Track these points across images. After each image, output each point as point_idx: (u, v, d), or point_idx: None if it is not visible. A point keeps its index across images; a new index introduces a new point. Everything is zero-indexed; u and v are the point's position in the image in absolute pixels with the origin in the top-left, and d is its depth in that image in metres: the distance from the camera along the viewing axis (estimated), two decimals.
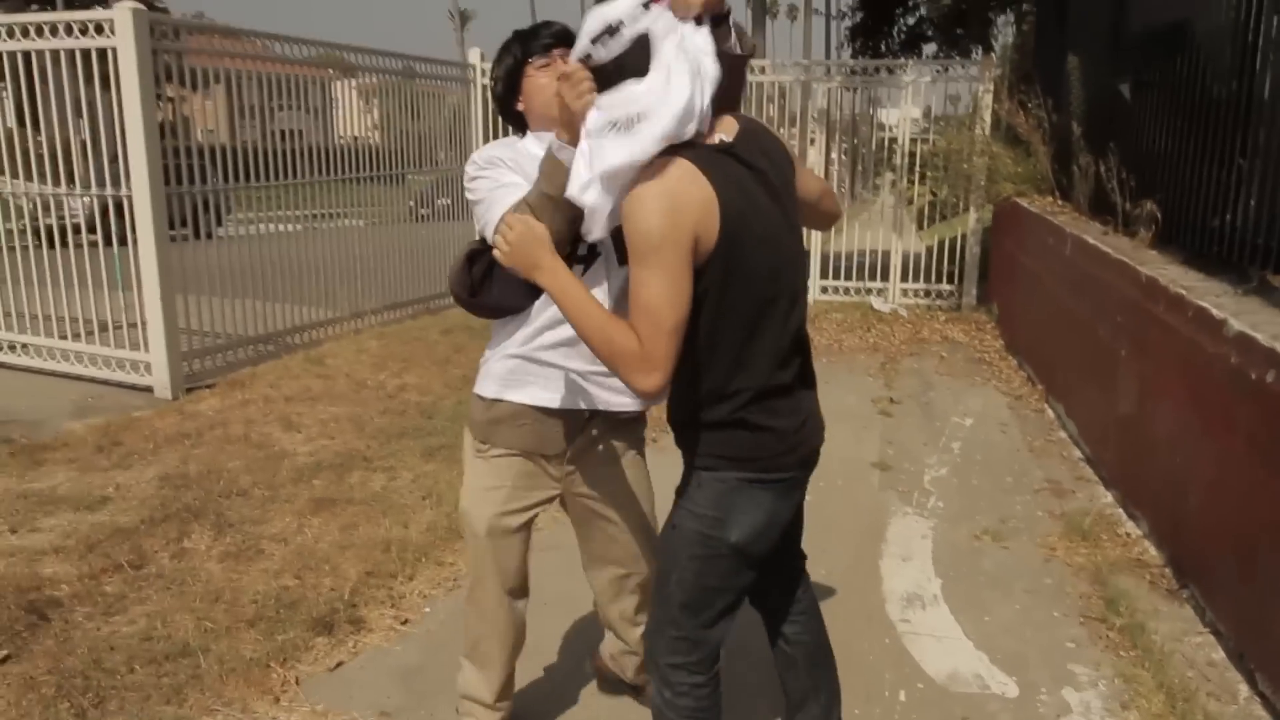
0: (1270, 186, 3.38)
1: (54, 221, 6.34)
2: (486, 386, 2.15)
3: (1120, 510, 4.04)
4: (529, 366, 2.08)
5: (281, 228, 7.75)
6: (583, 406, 2.12)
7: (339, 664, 2.85)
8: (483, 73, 9.95)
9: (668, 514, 1.87)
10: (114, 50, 5.69)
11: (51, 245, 6.36)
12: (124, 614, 3.04)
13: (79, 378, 6.26)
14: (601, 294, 2.02)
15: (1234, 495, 2.94)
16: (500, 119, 2.19)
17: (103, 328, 6.34)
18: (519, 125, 2.10)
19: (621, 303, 1.98)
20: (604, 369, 1.89)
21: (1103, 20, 6.01)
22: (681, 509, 1.82)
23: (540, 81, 1.98)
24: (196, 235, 6.71)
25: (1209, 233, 3.94)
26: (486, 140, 9.99)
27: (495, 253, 1.75)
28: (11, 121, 6.63)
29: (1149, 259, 4.30)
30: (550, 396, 2.09)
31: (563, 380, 2.08)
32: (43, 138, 6.43)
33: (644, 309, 1.57)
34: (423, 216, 10.26)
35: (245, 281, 6.98)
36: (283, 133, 7.86)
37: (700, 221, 1.58)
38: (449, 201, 10.07)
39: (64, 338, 6.36)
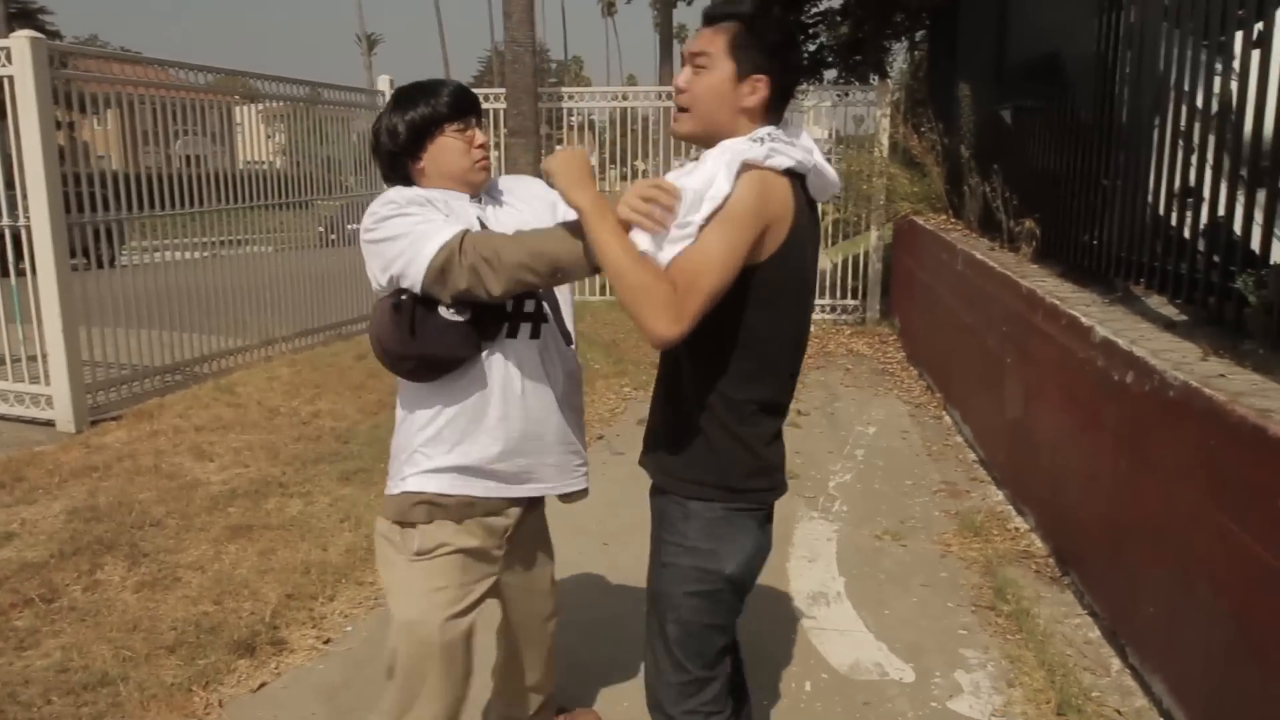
0: (1130, 205, 3.69)
1: None
2: (423, 482, 1.99)
3: (1010, 507, 4.31)
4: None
5: (186, 255, 7.63)
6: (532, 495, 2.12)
7: (262, 685, 2.88)
8: None
9: (650, 553, 1.82)
10: (10, 79, 5.58)
11: None
12: (37, 648, 3.01)
13: None
14: (549, 365, 2.02)
15: (1105, 488, 3.20)
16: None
17: (13, 360, 6.18)
18: (403, 178, 2.01)
19: (571, 380, 2.11)
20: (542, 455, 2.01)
21: (987, 50, 6.40)
22: (671, 545, 1.76)
23: (453, 144, 1.94)
24: (96, 265, 6.58)
25: (1081, 247, 4.25)
26: None
27: (546, 162, 1.72)
28: None
29: (1030, 272, 4.61)
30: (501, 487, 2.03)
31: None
32: None
33: (695, 263, 1.54)
34: (332, 242, 10.20)
35: (150, 311, 6.86)
36: (185, 158, 7.76)
37: (775, 219, 1.60)
38: (358, 227, 9.98)
39: None
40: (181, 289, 7.21)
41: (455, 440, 1.97)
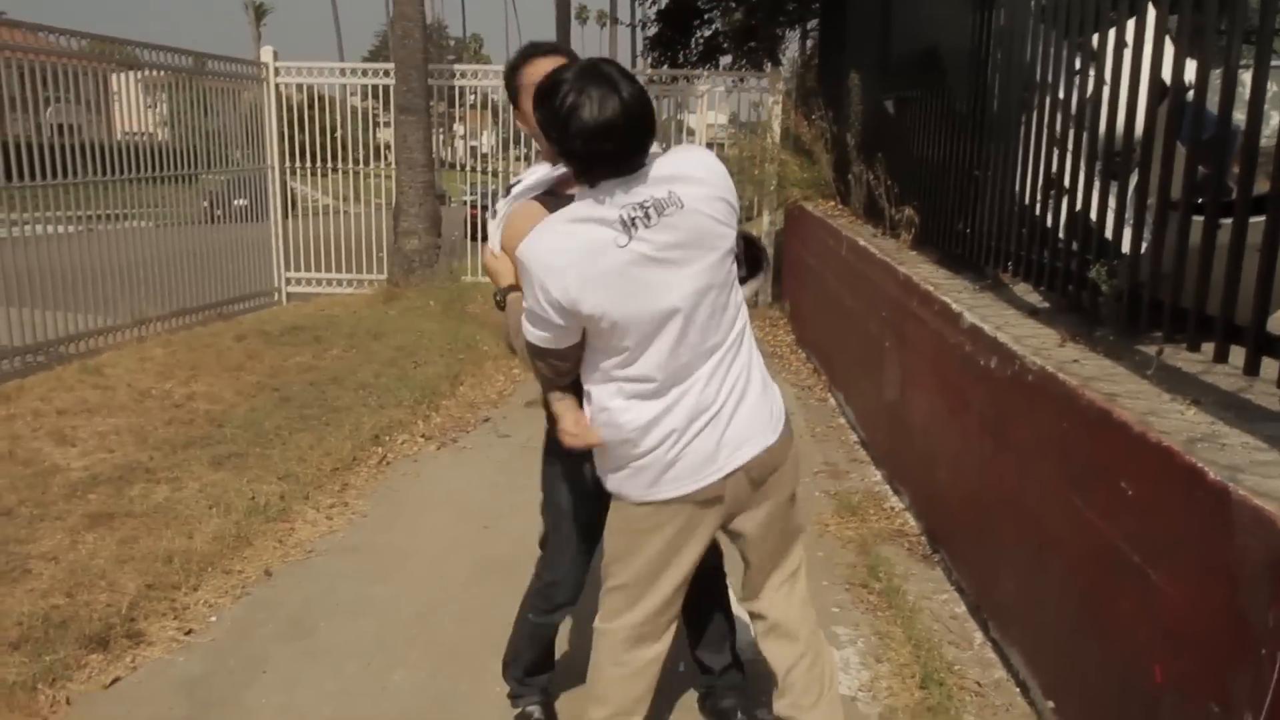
0: (1000, 195, 3.82)
1: None
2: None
3: (887, 487, 4.44)
4: None
5: (58, 230, 7.22)
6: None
7: (115, 680, 2.74)
8: (276, 71, 9.63)
9: None
10: None
11: None
12: None
13: None
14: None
15: (971, 468, 3.32)
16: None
17: None
18: None
19: None
20: None
21: (874, 41, 6.53)
22: None
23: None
24: None
25: (955, 235, 4.38)
26: (282, 139, 9.68)
27: None
28: None
29: (908, 259, 4.74)
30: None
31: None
32: None
33: None
34: (217, 218, 9.86)
35: (12, 288, 6.48)
36: (56, 127, 7.35)
37: None
38: (246, 202, 9.72)
39: None
40: (49, 265, 6.82)
41: None
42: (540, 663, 2.57)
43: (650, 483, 1.95)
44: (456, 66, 9.88)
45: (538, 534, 2.51)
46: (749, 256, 2.13)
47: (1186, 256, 2.40)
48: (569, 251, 1.77)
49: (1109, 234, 2.91)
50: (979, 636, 3.04)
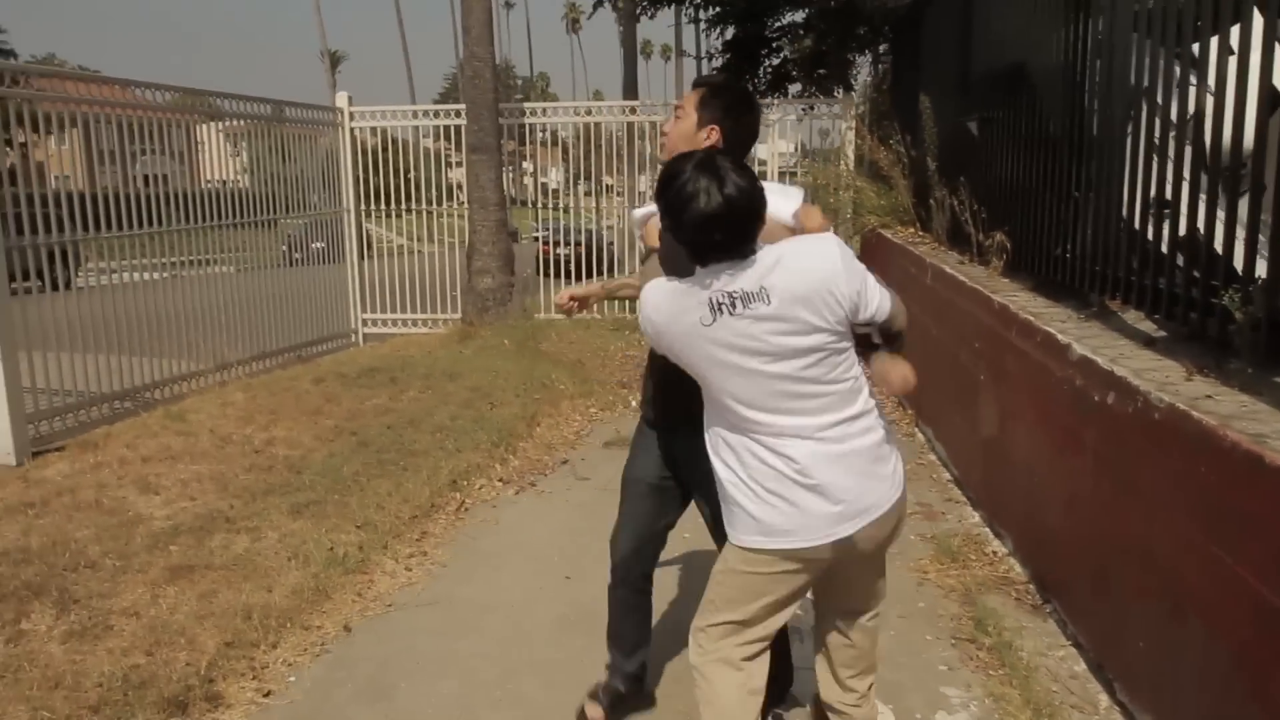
0: (1102, 217, 3.58)
1: None
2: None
3: (987, 530, 4.18)
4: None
5: (145, 276, 7.43)
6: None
7: None
8: (350, 116, 9.80)
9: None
10: None
11: None
12: None
13: None
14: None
15: (1086, 513, 3.07)
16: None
17: None
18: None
19: None
20: None
21: (951, 61, 6.33)
22: None
23: None
24: (51, 288, 6.36)
25: (1053, 261, 4.15)
26: (357, 183, 9.83)
27: None
28: None
29: (1001, 286, 4.50)
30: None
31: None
32: None
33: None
34: (296, 261, 10.08)
35: (101, 335, 6.65)
36: (145, 178, 7.58)
37: None
38: (323, 245, 9.89)
39: None
40: (134, 312, 6.99)
41: None
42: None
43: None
44: (526, 105, 9.93)
45: None
46: (885, 335, 2.27)
47: None
48: (664, 313, 2.06)
49: (1237, 258, 2.67)
50: (1104, 699, 2.78)
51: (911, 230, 7.22)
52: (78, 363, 6.39)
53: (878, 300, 2.08)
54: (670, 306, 2.04)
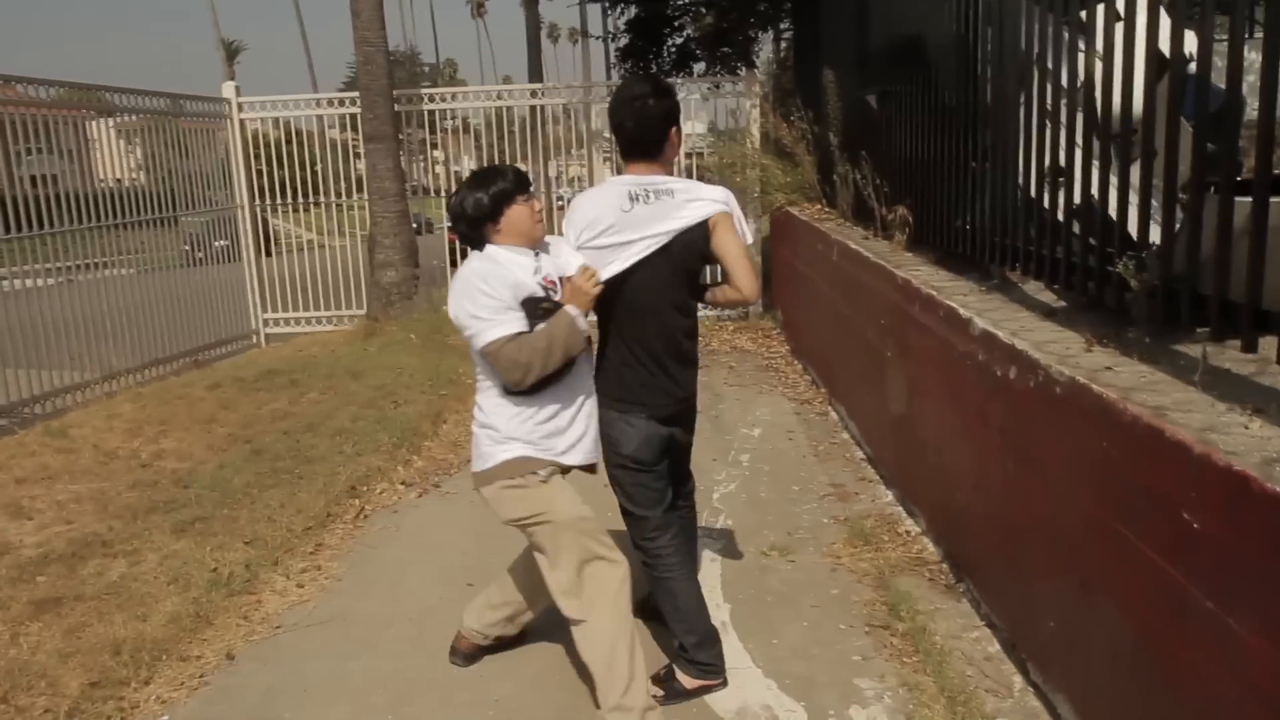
0: (999, 188, 3.53)
1: None
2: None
3: (900, 509, 4.13)
4: None
5: (33, 283, 6.99)
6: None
7: None
8: (239, 107, 9.35)
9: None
10: None
11: None
12: None
13: None
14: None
15: (994, 490, 3.01)
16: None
17: None
18: (479, 239, 2.61)
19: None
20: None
21: (849, 35, 6.26)
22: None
23: (523, 210, 2.59)
24: None
25: (955, 233, 4.10)
26: (250, 177, 9.40)
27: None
28: None
29: (904, 261, 4.44)
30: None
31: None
32: None
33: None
34: (199, 260, 9.61)
35: None
36: (34, 178, 7.13)
37: None
38: (227, 243, 9.46)
39: None
40: (18, 320, 6.54)
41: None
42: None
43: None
44: (424, 91, 9.59)
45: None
46: None
47: (1232, 242, 2.10)
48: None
49: (1131, 223, 2.62)
50: (1019, 681, 2.73)
51: (818, 207, 7.17)
52: None
53: None
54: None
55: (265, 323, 9.70)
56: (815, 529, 4.02)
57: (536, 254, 2.64)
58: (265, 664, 3.11)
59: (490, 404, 2.62)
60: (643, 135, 2.65)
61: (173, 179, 8.51)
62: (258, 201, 9.63)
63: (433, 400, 6.40)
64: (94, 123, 8.43)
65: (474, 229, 2.61)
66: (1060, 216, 3.06)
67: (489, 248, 2.60)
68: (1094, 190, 2.82)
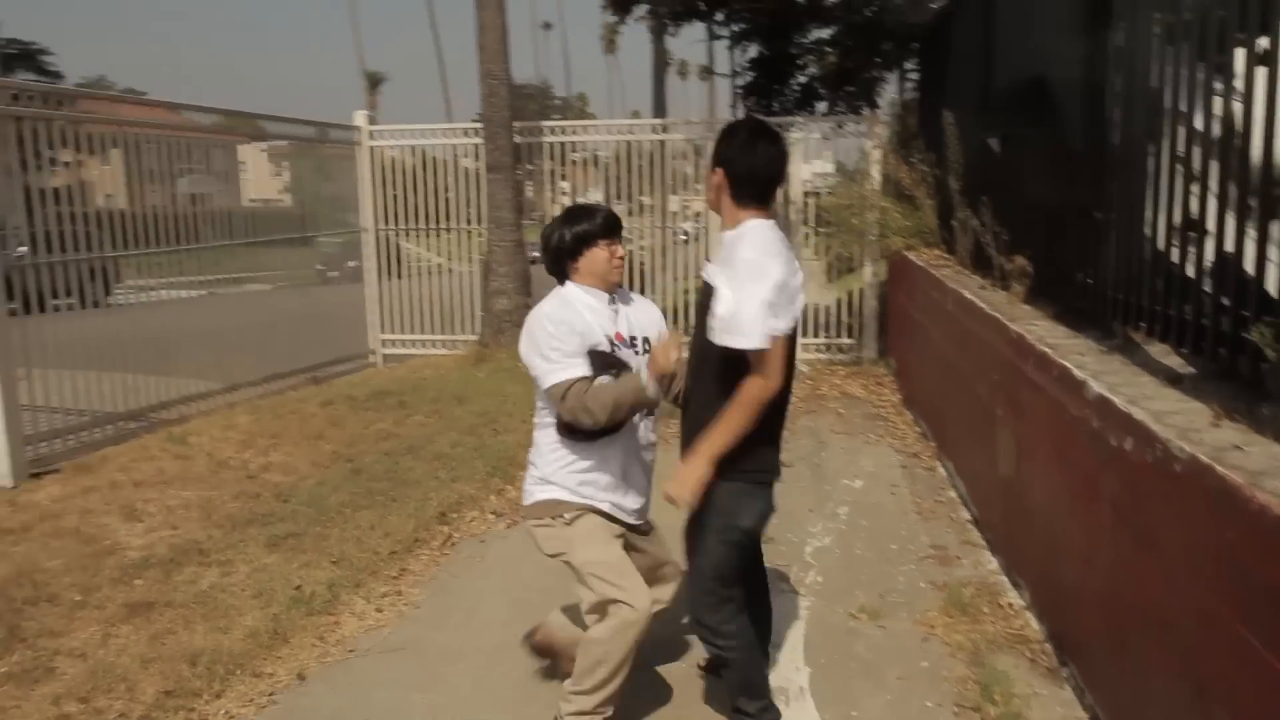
0: (1126, 240, 3.28)
1: None
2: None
3: (1004, 578, 3.86)
4: None
5: (181, 294, 7.45)
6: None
7: None
8: (369, 135, 9.72)
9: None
10: None
11: None
12: None
13: None
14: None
15: (1105, 568, 2.76)
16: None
17: None
18: (561, 271, 2.71)
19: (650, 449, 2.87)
20: None
21: (974, 76, 6.04)
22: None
23: (601, 254, 2.66)
24: (86, 304, 6.35)
25: (1076, 287, 3.84)
26: (375, 201, 9.73)
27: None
28: None
29: (1021, 314, 4.19)
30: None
31: None
32: None
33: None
34: (331, 279, 9.98)
35: (114, 354, 6.58)
36: (190, 196, 7.65)
37: None
38: (357, 263, 9.83)
39: None
40: (151, 331, 6.93)
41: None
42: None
43: None
44: (545, 124, 9.76)
45: None
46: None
47: None
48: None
49: (1271, 284, 2.36)
50: None
51: (936, 253, 6.91)
52: (93, 382, 6.35)
53: None
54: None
55: (383, 343, 9.98)
56: (910, 593, 3.80)
57: (613, 299, 2.70)
58: (334, 688, 3.11)
59: (542, 442, 2.71)
60: (776, 179, 2.58)
61: (314, 202, 8.92)
62: (387, 225, 9.94)
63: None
64: (245, 146, 8.95)
65: (555, 263, 2.72)
66: (1191, 273, 2.80)
67: (567, 285, 2.70)
68: (1229, 246, 2.57)
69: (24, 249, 6.07)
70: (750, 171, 2.48)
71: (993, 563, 4.05)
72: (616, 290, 2.74)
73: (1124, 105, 3.34)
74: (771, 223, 2.51)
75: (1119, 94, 3.38)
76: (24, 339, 5.73)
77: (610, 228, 2.68)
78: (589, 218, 2.68)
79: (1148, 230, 3.10)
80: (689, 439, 2.54)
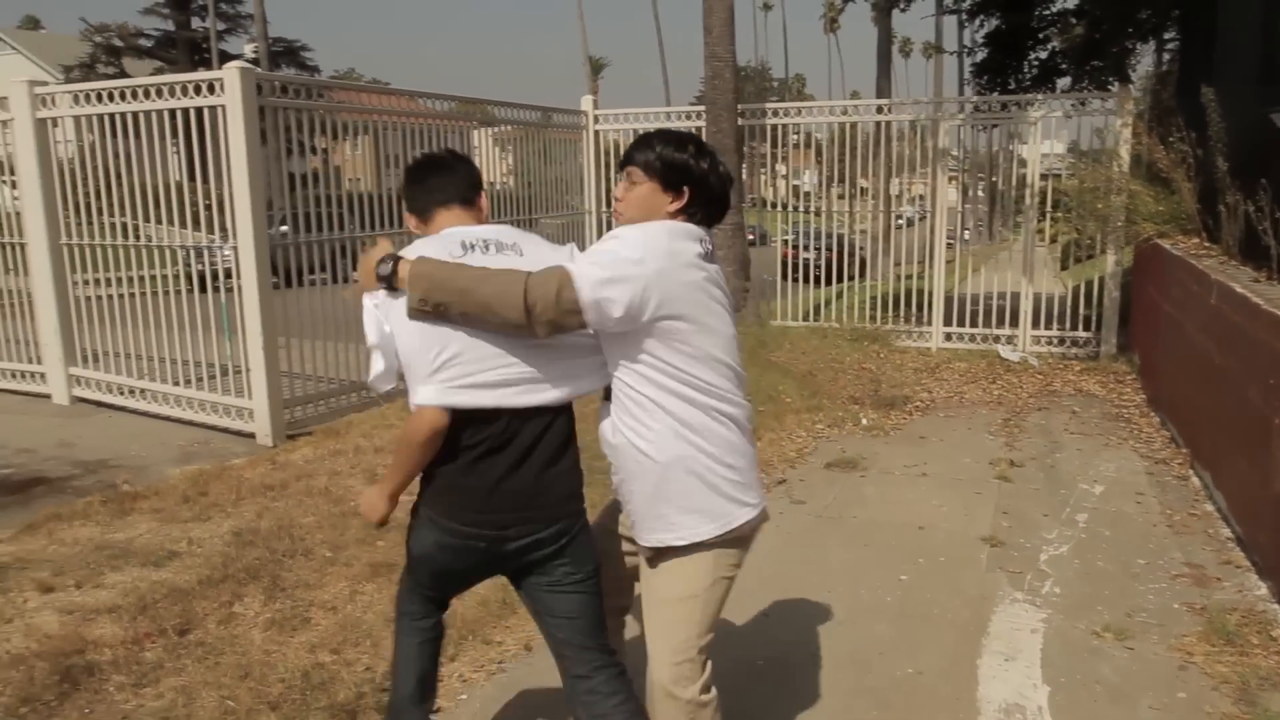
0: None
1: (205, 268, 6.91)
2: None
3: (1276, 606, 3.45)
4: None
5: None
6: None
7: None
8: (595, 119, 9.97)
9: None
10: (223, 108, 5.82)
11: (204, 290, 6.77)
12: (154, 686, 2.93)
13: (190, 423, 6.40)
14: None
15: None
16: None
17: (224, 373, 6.54)
18: None
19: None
20: None
21: (1251, 46, 5.41)
22: None
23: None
24: (338, 280, 6.90)
25: None
26: (599, 185, 10.00)
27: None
28: (180, 175, 7.01)
29: None
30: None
31: None
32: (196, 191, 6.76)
33: None
34: None
35: (360, 327, 7.06)
36: None
37: None
38: (576, 244, 10.15)
39: (179, 383, 6.54)
40: None
41: None
42: None
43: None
44: (768, 105, 9.65)
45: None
46: None
47: None
48: (661, 251, 2.01)
49: None
50: None
51: (1195, 241, 6.28)
52: (341, 352, 6.86)
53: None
54: (665, 244, 1.96)
55: None
56: (1162, 614, 3.47)
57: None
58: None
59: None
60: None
61: (538, 184, 9.26)
62: (608, 208, 10.19)
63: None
64: (476, 131, 9.40)
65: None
66: None
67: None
68: None
69: (285, 228, 6.66)
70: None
71: (1261, 588, 3.63)
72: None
73: None
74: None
75: None
76: (284, 310, 6.27)
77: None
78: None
79: None
80: None
